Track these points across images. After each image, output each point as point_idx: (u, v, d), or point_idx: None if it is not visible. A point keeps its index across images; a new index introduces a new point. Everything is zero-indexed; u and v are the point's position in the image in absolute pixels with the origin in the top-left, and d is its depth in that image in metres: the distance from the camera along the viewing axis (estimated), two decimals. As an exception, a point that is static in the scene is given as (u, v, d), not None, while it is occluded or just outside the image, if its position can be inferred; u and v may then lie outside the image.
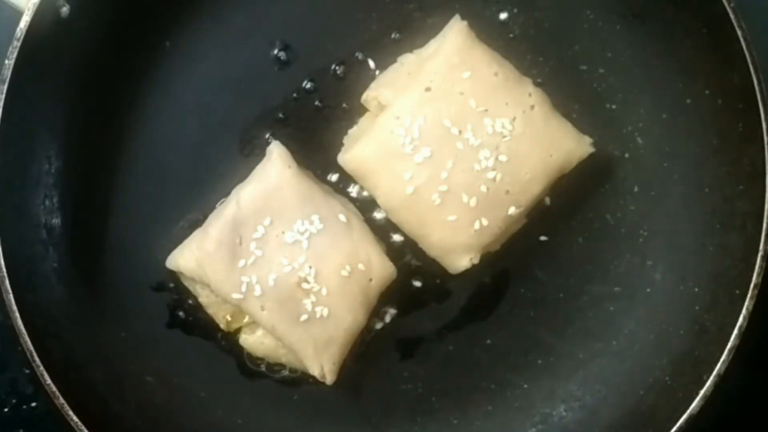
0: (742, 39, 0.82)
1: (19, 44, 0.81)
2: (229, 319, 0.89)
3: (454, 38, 0.86)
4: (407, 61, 0.91)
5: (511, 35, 0.91)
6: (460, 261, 0.87)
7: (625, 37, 0.92)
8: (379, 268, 0.87)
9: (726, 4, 0.82)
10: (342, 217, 0.86)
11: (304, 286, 0.85)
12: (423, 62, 0.88)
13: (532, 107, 0.86)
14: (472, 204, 0.85)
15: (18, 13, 0.82)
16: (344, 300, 0.86)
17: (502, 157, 0.85)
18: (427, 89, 0.86)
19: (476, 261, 0.87)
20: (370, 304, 0.87)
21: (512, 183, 0.86)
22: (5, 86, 0.81)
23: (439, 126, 0.85)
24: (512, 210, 0.86)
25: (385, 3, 0.93)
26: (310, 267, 0.85)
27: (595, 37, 0.92)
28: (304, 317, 0.85)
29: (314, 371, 0.86)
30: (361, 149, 0.87)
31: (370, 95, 0.90)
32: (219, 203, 0.90)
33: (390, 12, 0.93)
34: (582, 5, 0.92)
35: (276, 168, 0.87)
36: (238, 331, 0.90)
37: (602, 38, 0.92)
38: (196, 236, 0.87)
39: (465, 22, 0.87)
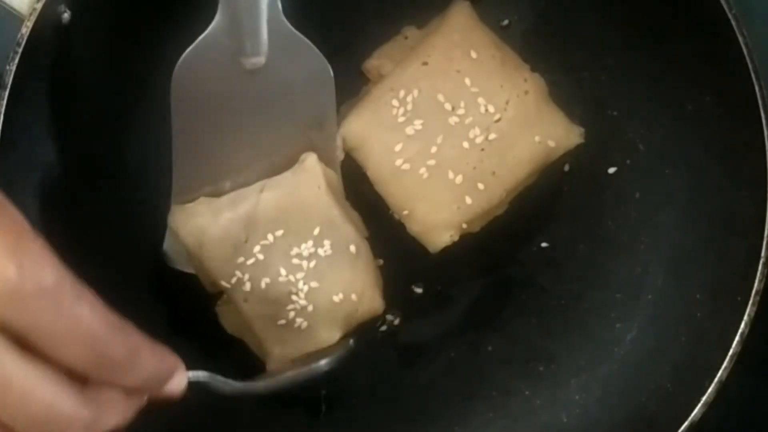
0: (743, 45, 0.82)
1: (20, 50, 0.81)
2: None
3: (456, 17, 0.88)
4: (411, 34, 0.92)
5: (512, 42, 0.91)
6: (441, 237, 0.87)
7: (626, 44, 0.92)
8: (369, 302, 0.87)
9: (727, 11, 0.82)
10: (352, 248, 0.86)
11: (293, 298, 0.85)
12: (424, 37, 0.89)
13: (527, 92, 0.87)
14: (458, 181, 0.86)
15: (19, 19, 0.82)
16: (326, 321, 0.86)
17: (492, 138, 0.86)
18: (425, 63, 0.86)
19: (456, 238, 0.87)
20: (348, 329, 0.88)
21: (499, 165, 0.86)
22: (6, 92, 0.81)
23: (433, 100, 0.86)
24: (497, 192, 0.87)
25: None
26: (305, 284, 0.85)
27: (596, 44, 0.93)
28: (282, 322, 0.85)
29: (270, 366, 0.86)
30: (352, 120, 0.88)
31: (372, 64, 0.91)
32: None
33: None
34: (583, 13, 0.92)
35: (305, 185, 0.86)
36: (221, 295, 0.89)
37: (604, 45, 0.93)
38: (205, 212, 0.86)
39: (467, 2, 0.88)
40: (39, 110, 0.86)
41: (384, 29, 0.93)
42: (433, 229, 0.87)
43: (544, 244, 0.95)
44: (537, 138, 0.87)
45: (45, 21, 0.82)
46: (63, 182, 0.89)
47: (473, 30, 0.88)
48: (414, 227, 0.88)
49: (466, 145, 0.86)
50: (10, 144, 0.83)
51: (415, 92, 0.86)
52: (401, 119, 0.86)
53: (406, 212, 0.87)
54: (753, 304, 0.83)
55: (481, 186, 0.86)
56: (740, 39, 0.83)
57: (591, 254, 0.95)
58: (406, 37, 0.92)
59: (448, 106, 0.86)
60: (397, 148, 0.86)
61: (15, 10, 0.82)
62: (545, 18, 0.94)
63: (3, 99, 0.81)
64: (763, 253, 0.83)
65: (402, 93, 0.86)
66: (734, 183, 0.87)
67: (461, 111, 0.86)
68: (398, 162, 0.86)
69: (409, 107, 0.86)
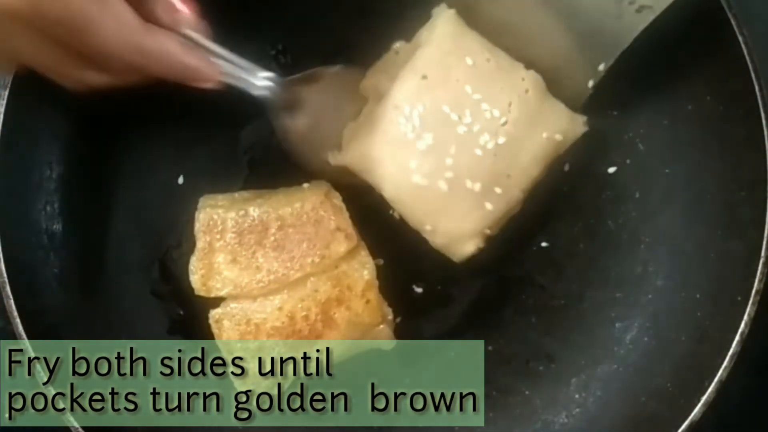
0: (743, 45, 0.83)
1: (20, 50, 0.81)
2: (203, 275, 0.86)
3: (444, 25, 0.87)
4: (402, 48, 0.91)
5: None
6: (466, 247, 0.86)
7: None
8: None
9: (727, 11, 0.82)
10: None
11: None
12: (415, 49, 0.87)
13: (527, 91, 0.87)
14: (477, 189, 0.85)
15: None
16: None
17: (502, 141, 0.85)
18: (424, 77, 0.86)
19: (481, 246, 0.87)
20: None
21: (512, 166, 0.86)
22: (7, 92, 0.81)
23: (439, 113, 0.85)
24: (514, 193, 0.86)
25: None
26: None
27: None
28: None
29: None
30: (361, 142, 0.86)
31: (368, 83, 0.91)
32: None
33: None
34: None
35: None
36: (215, 301, 0.87)
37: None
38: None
39: (452, 10, 0.87)
40: (39, 110, 0.86)
41: (373, 47, 0.92)
42: (458, 240, 0.86)
43: (544, 244, 0.95)
44: (544, 134, 0.86)
45: (45, 21, 0.82)
46: (63, 182, 0.90)
47: (463, 36, 0.87)
48: (438, 240, 0.87)
49: (478, 152, 0.85)
50: (10, 144, 0.83)
51: (420, 107, 0.84)
52: (411, 135, 0.84)
53: (429, 227, 0.86)
54: (753, 304, 0.83)
55: (498, 190, 0.85)
56: (740, 39, 0.83)
57: (591, 254, 0.95)
58: (397, 53, 0.91)
59: (454, 116, 0.85)
60: (412, 164, 0.84)
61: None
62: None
63: (3, 99, 0.81)
64: (763, 253, 0.83)
65: (407, 109, 0.84)
66: (734, 182, 0.87)
67: (468, 119, 0.85)
68: (415, 178, 0.84)
69: (417, 122, 0.84)
